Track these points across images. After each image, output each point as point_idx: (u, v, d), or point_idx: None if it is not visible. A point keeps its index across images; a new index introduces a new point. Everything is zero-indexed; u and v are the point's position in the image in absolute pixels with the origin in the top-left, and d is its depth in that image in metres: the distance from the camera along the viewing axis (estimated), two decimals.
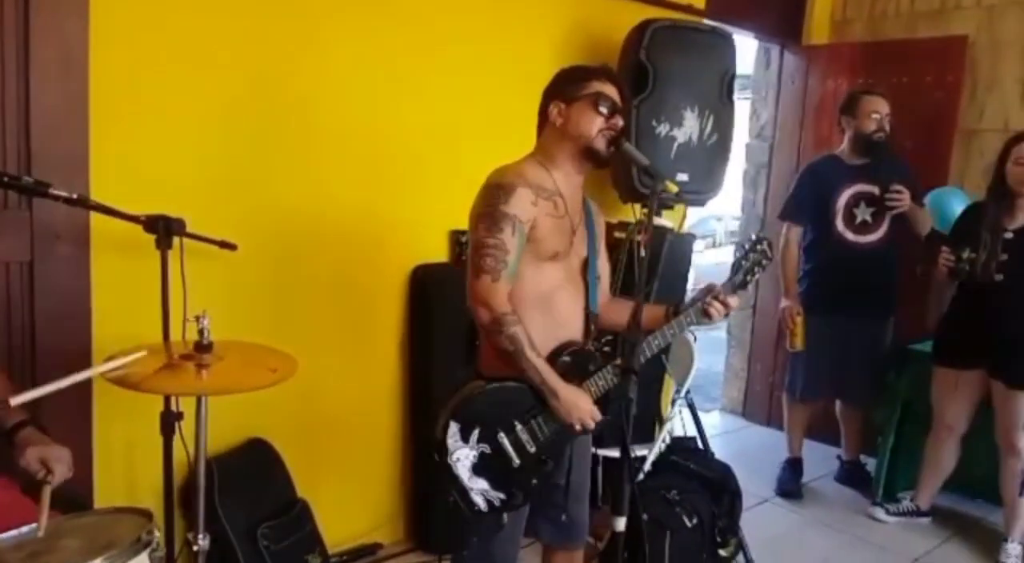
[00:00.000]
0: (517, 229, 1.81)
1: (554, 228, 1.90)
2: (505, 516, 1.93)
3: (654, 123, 3.04)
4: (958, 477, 3.38)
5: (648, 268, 2.30)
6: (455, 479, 1.87)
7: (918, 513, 3.41)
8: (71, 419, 2.17)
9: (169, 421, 1.99)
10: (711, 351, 5.59)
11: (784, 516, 3.54)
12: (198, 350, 1.73)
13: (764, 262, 1.99)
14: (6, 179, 1.75)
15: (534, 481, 1.93)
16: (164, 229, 1.94)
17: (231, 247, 2.26)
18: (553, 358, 1.92)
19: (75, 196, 1.79)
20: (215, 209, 2.35)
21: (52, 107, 2.06)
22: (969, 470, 3.33)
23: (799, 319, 3.53)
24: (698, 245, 8.91)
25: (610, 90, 1.92)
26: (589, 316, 2.01)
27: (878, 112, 3.41)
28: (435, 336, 2.87)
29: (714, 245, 9.21)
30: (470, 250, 1.88)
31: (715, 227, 9.39)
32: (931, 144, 3.92)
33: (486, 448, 1.88)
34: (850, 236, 3.49)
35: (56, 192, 1.75)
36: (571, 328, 1.98)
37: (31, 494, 1.63)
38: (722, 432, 4.64)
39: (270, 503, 2.51)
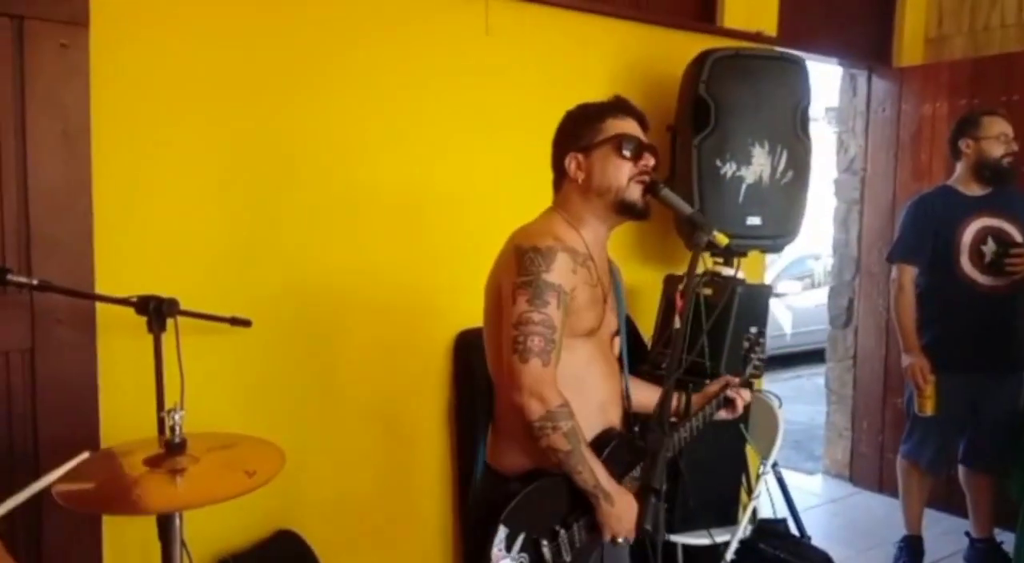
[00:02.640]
0: (562, 301, 1.53)
1: (589, 298, 1.62)
2: None
3: (719, 163, 2.73)
4: None
5: (690, 329, 2.12)
6: None
7: None
8: (78, 528, 2.03)
9: (165, 527, 1.78)
10: (811, 401, 5.12)
11: None
12: (169, 452, 1.52)
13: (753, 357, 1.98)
14: None
15: None
16: (155, 310, 1.78)
17: (244, 324, 2.10)
18: (597, 450, 1.61)
19: (35, 282, 1.64)
20: (227, 284, 2.21)
21: (52, 186, 1.95)
22: None
23: (932, 378, 3.06)
24: (794, 286, 8.41)
25: (630, 126, 1.65)
26: (627, 398, 1.74)
27: (1005, 133, 3.02)
28: (481, 408, 2.61)
29: (812, 286, 8.59)
30: (509, 328, 1.55)
31: (812, 267, 8.80)
32: None
33: (525, 559, 1.59)
34: (980, 278, 3.04)
35: (16, 278, 1.62)
36: (609, 413, 1.70)
37: None
38: (826, 501, 4.15)
39: None
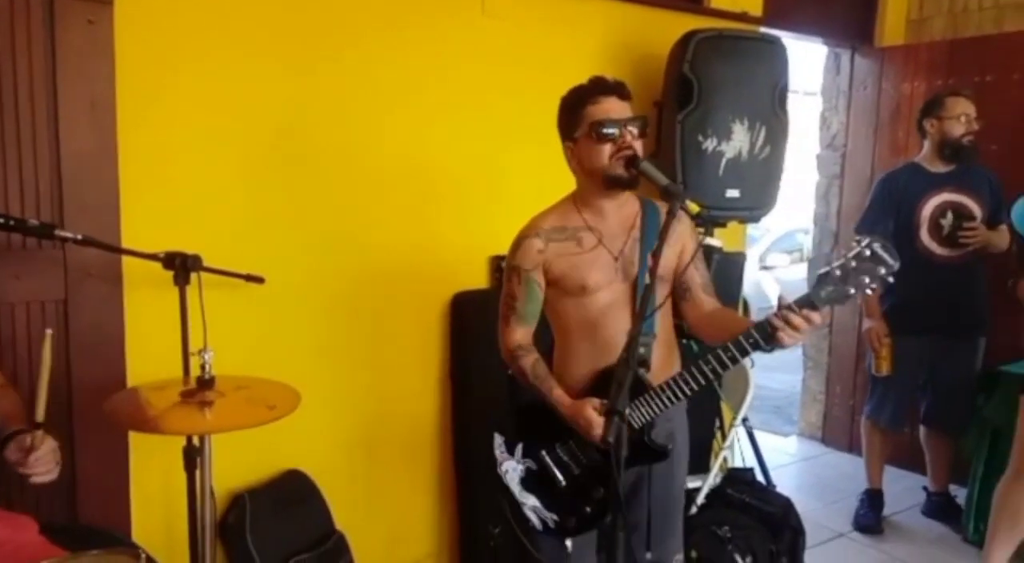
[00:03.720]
0: (523, 277, 1.93)
1: (576, 265, 1.90)
2: (568, 543, 1.97)
3: (700, 138, 2.89)
4: None
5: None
6: (506, 490, 1.99)
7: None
8: (108, 458, 2.23)
9: (192, 457, 1.99)
10: (792, 370, 5.33)
11: (861, 553, 3.29)
12: (200, 386, 1.72)
13: (882, 271, 1.60)
14: (12, 222, 1.80)
15: (587, 509, 1.91)
16: (181, 265, 1.97)
17: (258, 280, 2.28)
18: (600, 382, 1.88)
19: (79, 237, 1.83)
20: (246, 243, 2.39)
21: (81, 151, 2.12)
22: None
23: (887, 341, 3.29)
24: (782, 259, 8.60)
25: (606, 107, 1.83)
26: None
27: (967, 114, 3.19)
28: (474, 363, 2.81)
29: (801, 259, 8.77)
30: None
31: (802, 241, 8.96)
32: (1020, 147, 3.60)
33: (532, 464, 1.97)
34: (937, 249, 3.25)
35: (62, 234, 1.80)
36: (615, 350, 1.85)
37: (48, 535, 1.67)
38: (799, 459, 4.39)
39: (305, 536, 2.49)
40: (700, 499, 2.73)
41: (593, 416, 1.79)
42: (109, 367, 2.22)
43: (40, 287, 2.12)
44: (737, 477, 2.82)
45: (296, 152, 2.50)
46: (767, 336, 1.65)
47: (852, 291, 1.61)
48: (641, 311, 1.58)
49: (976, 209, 3.23)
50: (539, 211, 1.99)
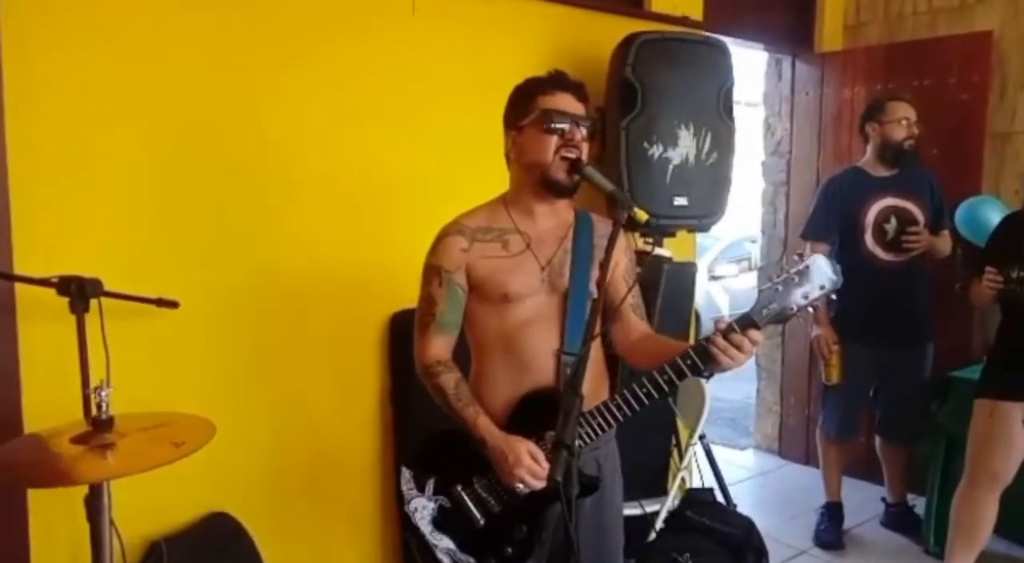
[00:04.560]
0: (444, 279, 1.74)
1: (500, 269, 1.73)
2: None
3: (646, 145, 2.79)
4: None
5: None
6: (415, 530, 1.76)
7: None
8: (5, 516, 1.99)
9: (93, 505, 1.76)
10: (746, 380, 5.27)
11: None
12: (96, 428, 1.51)
13: (824, 288, 1.50)
14: None
15: (509, 550, 1.71)
16: (78, 291, 1.75)
17: (171, 305, 2.08)
18: (521, 408, 1.72)
19: None
20: (155, 263, 2.19)
21: None
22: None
23: (836, 348, 3.23)
24: (731, 269, 8.61)
25: (563, 101, 1.70)
26: (560, 355, 1.75)
27: (907, 118, 3.16)
28: (416, 387, 2.61)
29: (749, 268, 8.80)
30: None
31: (750, 249, 8.99)
32: (960, 150, 3.62)
33: (444, 501, 1.75)
34: (881, 254, 3.21)
35: None
36: (537, 370, 1.74)
37: None
38: (757, 473, 4.30)
39: None
40: (659, 523, 2.59)
41: (526, 458, 1.60)
42: (1, 411, 1.98)
43: None
44: (697, 498, 2.68)
45: (211, 159, 2.30)
46: (705, 358, 1.55)
47: (794, 308, 1.52)
48: (589, 328, 1.43)
49: (919, 213, 3.21)
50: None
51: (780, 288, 1.51)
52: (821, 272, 1.50)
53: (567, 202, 1.80)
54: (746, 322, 1.52)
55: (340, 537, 2.65)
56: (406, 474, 1.79)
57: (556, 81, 1.73)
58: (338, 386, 2.60)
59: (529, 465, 1.59)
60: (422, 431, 2.53)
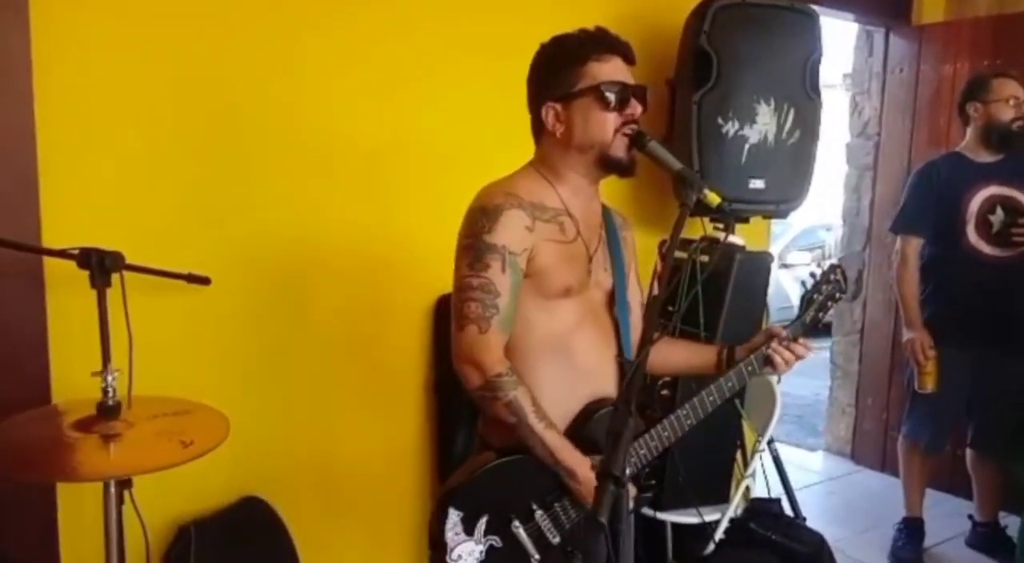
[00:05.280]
0: (508, 263, 1.44)
1: (562, 256, 1.50)
2: None
3: (720, 121, 2.55)
4: None
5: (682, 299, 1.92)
6: None
7: None
8: (33, 495, 1.91)
9: (105, 496, 1.66)
10: (815, 375, 4.99)
11: None
12: (101, 414, 1.39)
13: (838, 296, 1.69)
14: None
15: None
16: (98, 264, 1.64)
17: (203, 281, 1.96)
18: (583, 421, 1.53)
19: None
20: (188, 239, 2.06)
21: None
22: None
23: (932, 354, 2.94)
24: (803, 257, 8.20)
25: (614, 67, 1.49)
26: (623, 361, 1.59)
27: (1016, 97, 2.85)
28: None
29: (823, 257, 8.38)
30: (452, 294, 1.51)
31: (824, 238, 8.58)
32: None
33: (496, 541, 1.49)
34: (985, 248, 2.89)
35: None
36: (599, 379, 1.57)
37: None
38: (826, 478, 4.03)
39: None
40: (718, 534, 2.38)
41: None
42: (31, 381, 1.90)
43: None
44: (762, 509, 2.46)
45: (243, 131, 2.15)
46: (763, 363, 1.64)
47: (821, 316, 1.71)
48: (647, 331, 1.20)
49: None
50: (496, 180, 1.57)
51: (818, 296, 1.70)
52: (838, 283, 1.71)
53: (598, 192, 1.62)
54: (800, 330, 1.66)
55: (380, 529, 2.53)
56: (454, 517, 1.47)
57: (605, 42, 1.50)
58: (379, 372, 2.46)
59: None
60: (469, 423, 2.44)
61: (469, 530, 1.47)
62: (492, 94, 2.49)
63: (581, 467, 1.46)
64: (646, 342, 1.15)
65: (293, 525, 2.26)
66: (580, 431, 1.53)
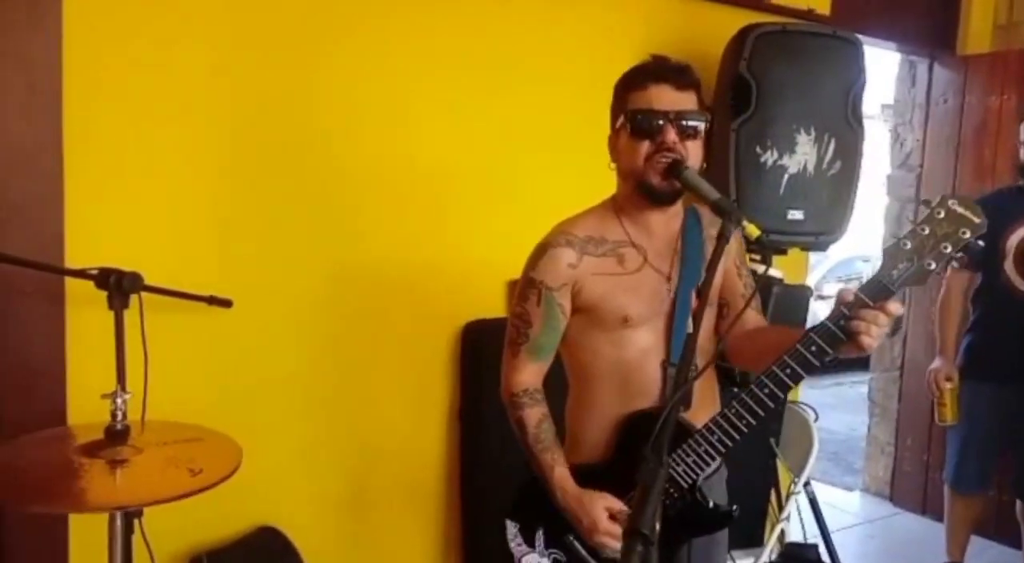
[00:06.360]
0: (544, 298, 1.54)
1: (618, 288, 1.52)
2: None
3: (759, 150, 2.47)
4: None
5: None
6: None
7: None
8: (45, 521, 1.89)
9: (111, 526, 1.61)
10: (852, 410, 4.84)
11: None
12: (110, 439, 1.34)
13: (966, 234, 1.23)
14: None
15: None
16: (116, 285, 1.61)
17: (224, 304, 1.94)
18: (626, 428, 1.55)
19: None
20: (211, 262, 2.04)
21: (15, 140, 1.79)
22: None
23: (948, 386, 2.85)
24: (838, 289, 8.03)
25: (657, 95, 1.45)
26: (666, 367, 1.56)
27: None
28: (489, 402, 2.39)
29: None
30: None
31: (861, 269, 8.41)
32: None
33: (559, 555, 1.56)
34: (1021, 284, 2.77)
35: None
36: (646, 396, 1.55)
37: None
38: (864, 520, 3.88)
39: None
40: None
41: (603, 520, 1.43)
42: (47, 401, 1.88)
43: None
44: (797, 554, 2.36)
45: (271, 151, 2.13)
46: (833, 341, 1.30)
47: (932, 265, 1.25)
48: (685, 363, 1.13)
49: None
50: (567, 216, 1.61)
51: (909, 243, 1.25)
52: (958, 215, 1.24)
53: (679, 207, 1.57)
54: (877, 290, 1.26)
55: (401, 559, 2.45)
56: (512, 529, 1.59)
57: (648, 72, 1.49)
58: (403, 400, 2.40)
59: (607, 528, 1.45)
60: (493, 454, 2.37)
61: (529, 541, 1.57)
62: (533, 129, 2.48)
63: (563, 493, 1.50)
64: (680, 385, 1.07)
65: (309, 557, 2.20)
66: (624, 441, 1.54)
